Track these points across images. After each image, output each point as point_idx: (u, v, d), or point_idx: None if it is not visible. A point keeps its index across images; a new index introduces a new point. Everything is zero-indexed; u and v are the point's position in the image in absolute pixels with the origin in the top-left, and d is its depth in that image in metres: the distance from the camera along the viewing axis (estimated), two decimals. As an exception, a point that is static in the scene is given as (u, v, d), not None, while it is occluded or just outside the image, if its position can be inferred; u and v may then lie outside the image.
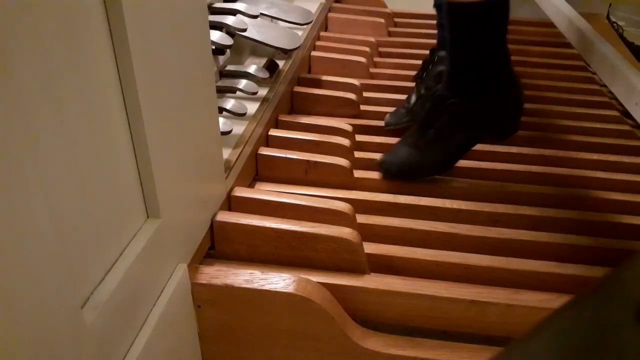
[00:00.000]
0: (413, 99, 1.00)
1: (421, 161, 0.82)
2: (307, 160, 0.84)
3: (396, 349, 0.59)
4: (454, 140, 0.81)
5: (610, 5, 1.79)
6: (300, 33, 1.15)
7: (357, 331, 0.61)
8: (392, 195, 0.82)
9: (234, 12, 0.91)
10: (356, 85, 1.11)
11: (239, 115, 0.82)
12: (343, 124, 0.97)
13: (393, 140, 0.97)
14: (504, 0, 0.72)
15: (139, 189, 0.48)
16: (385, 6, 1.57)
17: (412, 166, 0.82)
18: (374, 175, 0.86)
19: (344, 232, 0.65)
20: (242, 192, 0.72)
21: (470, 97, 0.78)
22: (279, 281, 0.58)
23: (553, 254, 0.72)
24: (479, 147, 0.95)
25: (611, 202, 0.83)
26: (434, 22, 1.46)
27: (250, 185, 0.83)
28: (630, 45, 1.60)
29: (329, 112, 1.05)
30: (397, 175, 0.83)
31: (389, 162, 0.84)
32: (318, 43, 1.30)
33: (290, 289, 0.57)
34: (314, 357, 0.60)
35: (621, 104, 1.15)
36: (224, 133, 0.75)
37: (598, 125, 1.05)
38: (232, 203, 0.72)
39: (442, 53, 0.97)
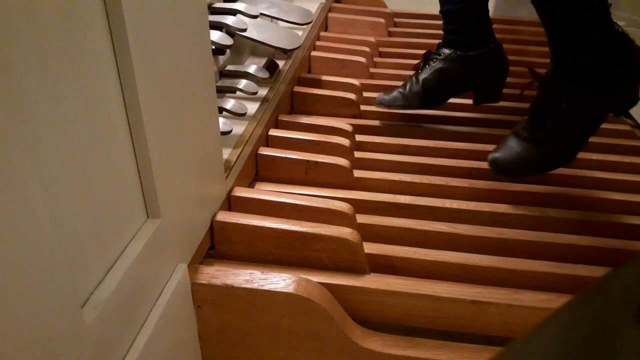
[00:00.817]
0: (409, 85, 1.00)
1: (541, 155, 0.75)
2: (307, 160, 0.84)
3: (396, 349, 0.59)
4: (574, 131, 0.74)
5: (610, 5, 1.79)
6: (300, 33, 1.15)
7: (357, 331, 0.61)
8: (392, 195, 0.82)
9: (234, 12, 0.91)
10: (356, 85, 1.11)
11: (239, 115, 0.82)
12: (343, 124, 0.97)
13: (393, 140, 0.97)
14: None
15: (139, 189, 0.48)
16: (385, 6, 1.57)
17: (531, 161, 0.76)
18: (374, 175, 0.86)
19: (344, 232, 0.65)
20: (242, 192, 0.72)
21: (586, 82, 0.72)
22: (279, 281, 0.58)
23: (553, 254, 0.72)
24: (479, 146, 0.95)
25: (611, 202, 0.83)
26: (434, 22, 1.46)
27: (250, 185, 0.83)
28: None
29: (329, 112, 1.05)
30: (514, 172, 0.78)
31: (503, 159, 0.77)
32: (318, 43, 1.30)
33: (290, 289, 0.57)
34: (314, 357, 0.60)
35: (621, 104, 1.15)
36: (224, 133, 0.75)
37: (598, 125, 1.05)
38: (232, 203, 0.72)
39: (447, 50, 0.97)
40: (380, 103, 1.01)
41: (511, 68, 1.25)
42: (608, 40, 0.71)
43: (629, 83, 0.74)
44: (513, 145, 0.77)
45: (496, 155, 0.79)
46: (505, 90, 1.15)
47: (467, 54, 0.96)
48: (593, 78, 0.72)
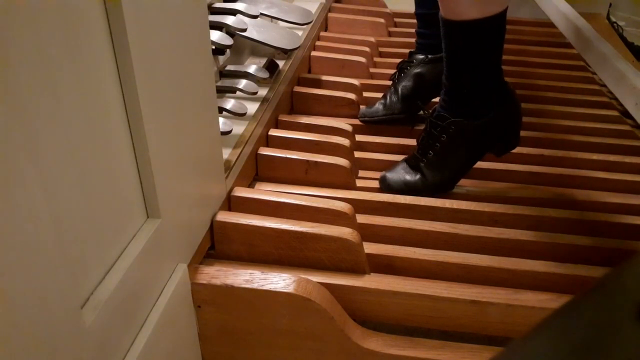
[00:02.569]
0: (389, 96, 1.03)
1: (422, 183, 0.83)
2: (307, 160, 0.84)
3: (396, 349, 0.59)
4: (455, 161, 0.82)
5: (610, 5, 1.79)
6: (300, 33, 1.15)
7: (357, 331, 0.61)
8: (392, 195, 0.82)
9: (234, 12, 0.91)
10: (356, 85, 1.11)
11: (239, 115, 0.82)
12: (343, 124, 0.97)
13: (393, 140, 0.97)
14: (500, 16, 0.71)
15: (139, 189, 0.48)
16: (385, 6, 1.57)
17: (413, 187, 0.83)
18: (374, 175, 0.86)
19: (344, 232, 0.65)
20: (242, 192, 0.72)
21: (470, 115, 0.78)
22: (279, 281, 0.58)
23: (553, 254, 0.72)
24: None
25: (611, 202, 0.83)
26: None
27: (251, 185, 0.83)
28: (630, 45, 1.60)
29: (329, 112, 1.05)
30: (398, 192, 0.84)
31: (391, 180, 0.85)
32: (318, 43, 1.30)
33: (290, 289, 0.57)
34: (313, 357, 0.60)
35: (621, 104, 1.15)
36: (224, 133, 0.75)
37: (598, 125, 1.05)
38: (232, 203, 0.72)
39: (420, 56, 1.01)
40: (363, 116, 1.03)
41: (510, 68, 1.25)
42: (494, 89, 0.78)
43: (508, 134, 0.82)
44: (401, 170, 0.85)
45: (386, 174, 0.86)
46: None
47: (438, 56, 0.98)
48: (475, 118, 0.78)
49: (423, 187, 0.83)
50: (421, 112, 0.87)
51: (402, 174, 0.85)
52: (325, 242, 0.64)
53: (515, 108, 0.81)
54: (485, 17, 0.70)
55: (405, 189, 0.83)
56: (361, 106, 1.05)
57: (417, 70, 1.00)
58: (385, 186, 0.85)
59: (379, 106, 1.03)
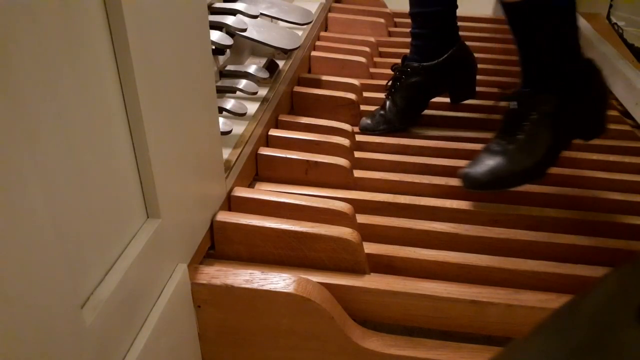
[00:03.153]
0: (388, 106, 1.02)
1: (512, 169, 0.75)
2: (307, 160, 0.84)
3: (396, 349, 0.59)
4: (547, 142, 0.74)
5: (610, 5, 1.79)
6: (300, 33, 1.15)
7: (357, 331, 0.61)
8: (392, 195, 0.82)
9: (233, 12, 0.91)
10: (356, 85, 1.11)
11: (239, 115, 0.82)
12: (343, 124, 0.97)
13: (393, 140, 0.97)
14: None
15: (139, 189, 0.48)
16: (385, 6, 1.57)
17: (502, 176, 0.75)
18: (374, 175, 0.86)
19: (344, 232, 0.64)
20: (242, 192, 0.72)
21: (559, 92, 0.73)
22: (279, 281, 0.58)
23: (553, 254, 0.72)
24: (479, 147, 0.95)
25: (611, 202, 0.83)
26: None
27: (251, 185, 0.83)
28: (630, 46, 1.60)
29: (329, 112, 1.05)
30: (485, 186, 0.76)
31: (475, 173, 0.77)
32: (318, 43, 1.30)
33: (290, 289, 0.57)
34: (313, 357, 0.60)
35: (621, 104, 1.15)
36: (224, 133, 0.75)
37: (598, 125, 1.05)
38: (232, 203, 0.72)
39: (414, 64, 0.99)
40: (365, 129, 1.02)
41: (510, 68, 1.25)
42: (575, 59, 0.73)
43: (593, 107, 0.76)
44: (485, 160, 0.77)
45: (467, 169, 0.78)
46: (503, 91, 1.15)
47: (431, 63, 0.98)
48: (562, 92, 0.73)
49: (514, 174, 0.75)
50: (502, 91, 0.80)
51: (486, 164, 0.76)
52: (325, 242, 0.64)
53: (601, 85, 0.75)
54: None
55: (494, 179, 0.75)
56: (362, 118, 1.04)
57: (412, 80, 1.00)
58: (470, 183, 0.77)
59: (379, 118, 1.02)
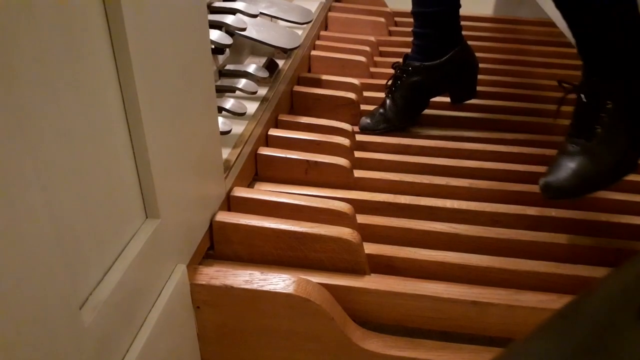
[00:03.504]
0: (388, 104, 1.02)
1: (598, 168, 0.68)
2: (307, 160, 0.83)
3: (396, 350, 0.59)
4: (629, 130, 0.67)
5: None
6: (300, 32, 1.15)
7: (357, 332, 0.60)
8: (392, 195, 0.81)
9: (233, 11, 0.90)
10: (356, 84, 1.11)
11: (239, 114, 0.82)
12: (343, 124, 0.97)
13: (393, 140, 0.97)
14: None
15: (138, 189, 0.48)
16: (385, 5, 1.57)
17: (589, 177, 0.68)
18: (374, 175, 0.86)
19: (344, 232, 0.64)
20: (241, 192, 0.72)
21: (630, 74, 0.67)
22: (279, 282, 0.58)
23: (553, 254, 0.72)
24: (479, 147, 0.95)
25: (611, 202, 0.83)
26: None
27: (250, 185, 0.83)
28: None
29: (329, 111, 1.05)
30: (572, 193, 0.69)
31: (557, 181, 0.69)
32: (318, 42, 1.30)
33: (289, 289, 0.57)
34: (313, 357, 0.60)
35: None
36: (223, 133, 0.75)
37: (598, 125, 1.05)
38: (231, 203, 0.72)
39: (415, 63, 0.99)
40: (364, 128, 1.02)
41: (510, 68, 1.25)
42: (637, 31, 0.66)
43: None
44: (565, 163, 0.69)
45: (547, 178, 0.69)
46: (503, 90, 1.15)
47: (433, 63, 0.98)
48: (629, 68, 0.67)
49: (601, 172, 0.68)
50: (566, 85, 0.73)
51: (568, 168, 0.68)
52: (325, 243, 0.64)
53: None
54: None
55: (580, 182, 0.68)
56: (362, 118, 1.04)
57: (413, 79, 0.99)
58: (554, 193, 0.69)
59: (379, 117, 1.02)
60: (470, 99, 1.05)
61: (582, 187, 0.69)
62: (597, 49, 0.68)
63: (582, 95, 0.69)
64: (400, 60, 1.03)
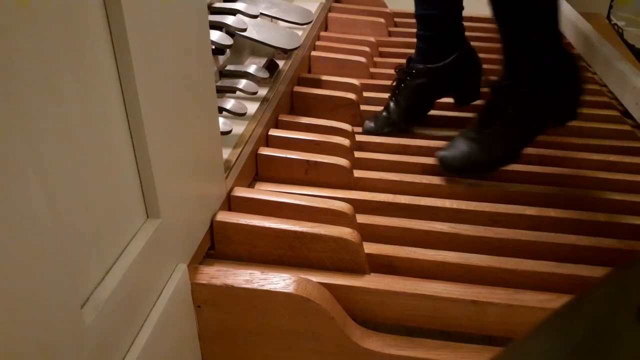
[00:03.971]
0: (391, 108, 1.01)
1: (486, 156, 0.81)
2: (307, 160, 0.84)
3: (396, 349, 0.59)
4: (520, 133, 0.80)
5: (610, 5, 1.80)
6: (300, 33, 1.15)
7: (357, 331, 0.61)
8: (392, 195, 0.82)
9: (233, 12, 0.91)
10: (356, 85, 1.11)
11: (239, 115, 0.82)
12: (343, 124, 0.97)
13: (393, 140, 0.97)
14: None
15: (138, 189, 0.48)
16: (385, 6, 1.57)
17: (477, 161, 0.81)
18: (374, 175, 0.86)
19: (344, 232, 0.64)
20: (242, 192, 0.72)
21: (534, 87, 0.77)
22: (279, 281, 0.58)
23: (553, 254, 0.72)
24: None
25: (611, 202, 0.83)
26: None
27: (250, 185, 0.83)
28: (631, 46, 1.60)
29: (329, 112, 1.05)
30: (460, 171, 0.83)
31: (450, 157, 0.83)
32: (318, 43, 1.30)
33: (290, 289, 0.57)
34: (313, 357, 0.60)
35: (621, 104, 1.15)
36: (224, 133, 0.75)
37: (598, 125, 1.05)
38: (232, 203, 0.72)
39: (419, 66, 0.99)
40: (369, 132, 1.02)
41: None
42: (556, 56, 0.78)
43: (569, 98, 0.80)
44: (460, 145, 0.82)
45: (444, 153, 0.83)
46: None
47: (437, 65, 0.98)
48: (539, 87, 0.77)
49: (487, 162, 0.81)
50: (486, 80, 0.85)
51: (461, 151, 0.82)
52: (325, 242, 0.64)
53: (574, 78, 0.79)
54: None
55: (467, 165, 0.81)
56: (365, 121, 1.04)
57: (417, 81, 0.99)
58: (445, 167, 0.83)
59: (383, 120, 1.02)
60: (475, 100, 1.04)
61: (468, 169, 0.82)
62: (515, 59, 0.78)
63: (493, 94, 0.81)
64: (403, 62, 1.03)
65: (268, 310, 0.58)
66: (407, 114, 1.01)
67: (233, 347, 0.61)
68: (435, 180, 0.85)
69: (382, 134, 1.00)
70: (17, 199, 0.30)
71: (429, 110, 1.04)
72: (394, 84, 1.03)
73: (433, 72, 0.98)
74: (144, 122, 0.45)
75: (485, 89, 0.84)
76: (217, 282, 0.57)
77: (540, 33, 0.76)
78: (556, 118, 0.82)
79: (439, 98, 1.03)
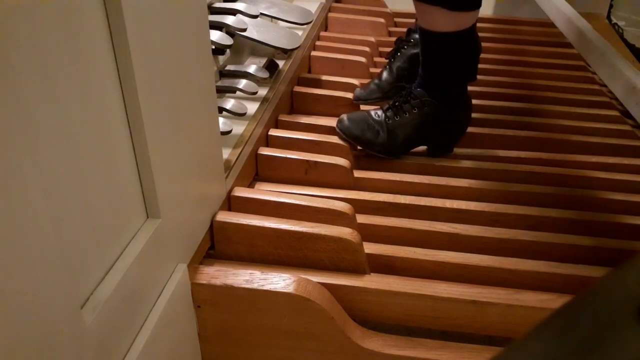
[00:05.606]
0: (384, 76, 1.03)
1: (373, 138, 0.88)
2: (307, 160, 0.84)
3: (396, 349, 0.59)
4: (408, 135, 0.88)
5: (610, 5, 1.79)
6: (300, 33, 1.15)
7: (357, 331, 0.61)
8: (392, 195, 0.82)
9: (233, 12, 0.91)
10: (356, 85, 1.11)
11: (239, 115, 0.82)
12: (343, 124, 0.97)
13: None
14: (468, 32, 0.81)
15: (138, 189, 0.48)
16: (385, 6, 1.57)
17: (364, 139, 0.89)
18: (374, 175, 0.86)
19: (344, 232, 0.64)
20: (242, 192, 0.72)
21: (442, 105, 0.87)
22: (279, 281, 0.58)
23: (553, 254, 0.72)
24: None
25: (611, 202, 0.83)
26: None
27: (250, 185, 0.83)
28: (631, 46, 1.60)
29: (329, 112, 1.05)
30: (350, 140, 0.89)
31: (348, 126, 0.90)
32: (318, 43, 1.30)
33: (290, 289, 0.57)
34: (313, 357, 0.60)
35: (621, 104, 1.15)
36: (224, 133, 0.75)
37: (598, 125, 1.05)
38: (232, 203, 0.72)
39: (417, 36, 0.98)
40: (358, 99, 1.04)
41: (510, 68, 1.25)
42: (462, 89, 0.88)
43: (455, 123, 0.90)
44: (361, 120, 0.90)
45: (346, 117, 0.91)
46: (503, 91, 1.15)
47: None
48: (441, 102, 0.87)
49: (374, 142, 0.88)
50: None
51: (360, 124, 0.89)
52: (325, 242, 0.64)
53: (465, 116, 0.90)
54: (457, 31, 0.80)
55: (356, 137, 0.89)
56: (356, 89, 1.05)
57: (414, 51, 1.00)
58: (341, 128, 0.90)
59: (373, 87, 1.03)
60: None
61: (354, 139, 0.89)
62: (433, 79, 0.87)
63: (406, 90, 0.89)
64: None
65: (268, 310, 0.58)
66: (397, 81, 1.02)
67: (233, 347, 0.61)
68: (435, 180, 0.85)
69: (371, 100, 1.02)
70: (17, 199, 0.30)
71: None
72: (392, 51, 1.04)
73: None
74: (144, 122, 0.45)
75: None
76: (217, 282, 0.57)
77: (456, 79, 0.86)
78: (437, 142, 0.91)
79: None
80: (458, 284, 0.64)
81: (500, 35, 1.43)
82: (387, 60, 1.09)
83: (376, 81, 1.03)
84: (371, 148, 0.89)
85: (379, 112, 0.90)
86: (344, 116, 0.91)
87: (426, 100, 0.86)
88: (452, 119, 0.88)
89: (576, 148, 0.98)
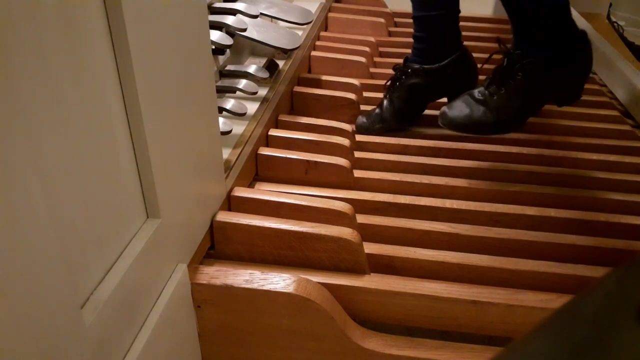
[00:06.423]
0: (385, 105, 1.01)
1: (486, 118, 0.83)
2: (307, 160, 0.84)
3: (396, 349, 0.59)
4: (524, 103, 0.82)
5: (610, 5, 1.80)
6: (300, 33, 1.15)
7: (357, 331, 0.61)
8: (392, 195, 0.82)
9: (233, 12, 0.91)
10: (356, 85, 1.11)
11: (239, 115, 0.82)
12: (343, 124, 0.97)
13: (393, 140, 0.97)
14: None
15: (138, 189, 0.48)
16: (385, 6, 1.57)
17: (478, 121, 0.83)
18: (374, 175, 0.86)
19: (344, 232, 0.64)
20: (242, 192, 0.72)
21: (547, 60, 0.79)
22: (279, 281, 0.58)
23: (553, 254, 0.72)
24: (479, 146, 0.95)
25: (611, 202, 0.83)
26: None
27: (250, 185, 0.83)
28: (630, 45, 1.60)
29: (329, 112, 1.05)
30: (461, 128, 0.85)
31: (453, 115, 0.85)
32: (318, 43, 1.30)
33: (290, 289, 0.57)
34: (313, 357, 0.60)
35: (621, 104, 1.15)
36: (224, 133, 0.75)
37: (598, 125, 1.05)
38: (232, 203, 0.72)
39: (415, 66, 0.99)
40: (360, 128, 1.02)
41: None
42: (565, 30, 0.79)
43: (575, 74, 0.82)
44: (463, 105, 0.85)
45: (447, 110, 0.86)
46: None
47: (432, 67, 0.98)
48: (547, 59, 0.79)
49: (486, 124, 0.83)
50: (500, 45, 0.85)
51: (465, 109, 0.84)
52: (325, 242, 0.64)
53: (585, 60, 0.81)
54: None
55: (470, 123, 0.83)
56: (358, 117, 1.04)
57: (412, 81, 0.99)
58: (447, 121, 0.85)
59: (375, 117, 1.02)
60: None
61: (468, 126, 0.84)
62: (528, 32, 0.79)
63: (505, 60, 0.81)
64: (401, 61, 1.03)
65: (268, 310, 0.58)
66: (399, 112, 1.01)
67: (233, 347, 0.61)
68: (435, 180, 0.85)
69: (374, 131, 1.01)
70: (17, 199, 0.30)
71: (422, 111, 1.04)
72: (389, 82, 1.03)
73: (428, 73, 0.98)
74: (144, 122, 0.45)
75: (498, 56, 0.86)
76: (217, 282, 0.57)
77: (549, 5, 0.77)
78: (561, 96, 0.83)
79: (433, 100, 1.03)
80: (458, 284, 0.64)
81: (501, 35, 1.43)
82: (387, 72, 1.08)
83: (377, 111, 1.02)
84: (486, 130, 0.85)
85: (481, 90, 0.85)
86: (445, 108, 0.87)
87: (528, 63, 0.79)
88: (573, 68, 0.81)
89: (576, 148, 0.98)
